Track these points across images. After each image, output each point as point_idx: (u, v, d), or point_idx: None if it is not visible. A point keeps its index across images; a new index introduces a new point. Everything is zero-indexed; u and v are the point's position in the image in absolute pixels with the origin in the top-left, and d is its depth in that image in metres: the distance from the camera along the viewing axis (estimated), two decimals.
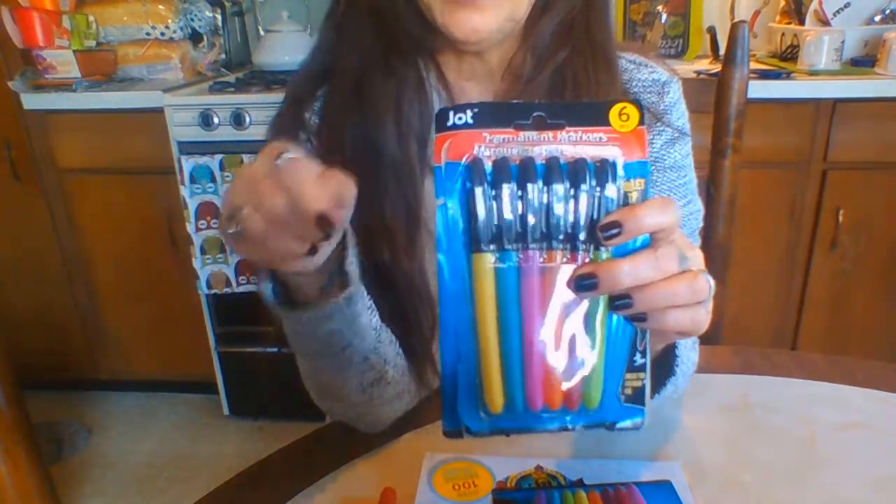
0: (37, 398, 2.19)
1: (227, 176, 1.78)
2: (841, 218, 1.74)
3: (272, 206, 0.40)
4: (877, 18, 1.84)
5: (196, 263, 1.85)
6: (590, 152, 0.39)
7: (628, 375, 0.41)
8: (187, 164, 1.77)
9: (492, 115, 0.39)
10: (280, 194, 0.40)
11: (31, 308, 2.18)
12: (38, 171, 1.99)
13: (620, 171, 0.39)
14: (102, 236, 2.05)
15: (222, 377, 2.07)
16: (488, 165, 0.39)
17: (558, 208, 0.39)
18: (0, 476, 1.33)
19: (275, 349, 1.95)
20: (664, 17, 2.06)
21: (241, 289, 1.89)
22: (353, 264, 0.51)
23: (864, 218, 1.75)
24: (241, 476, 0.61)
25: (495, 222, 0.39)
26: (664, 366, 0.58)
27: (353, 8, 0.66)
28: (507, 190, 0.39)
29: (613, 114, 0.39)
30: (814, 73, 1.74)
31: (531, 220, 0.39)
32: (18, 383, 1.48)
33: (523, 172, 0.39)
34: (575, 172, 0.39)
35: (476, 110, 0.39)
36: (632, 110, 0.39)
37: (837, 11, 1.82)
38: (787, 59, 1.92)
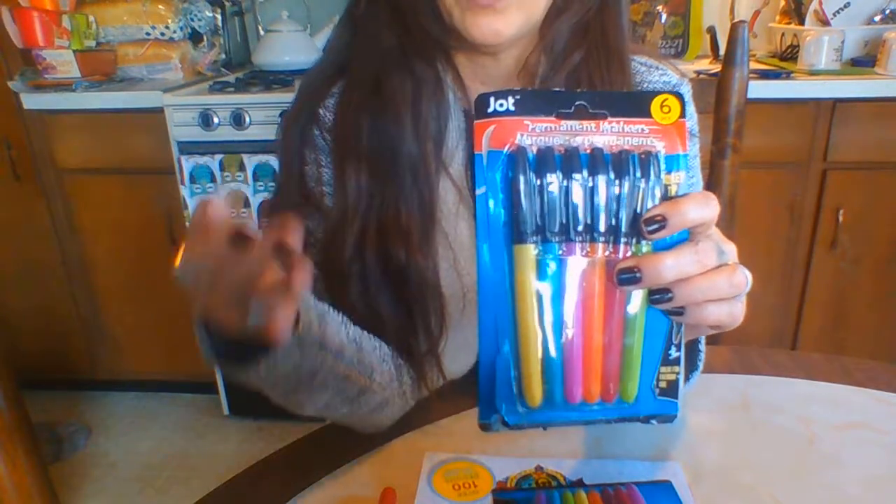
0: (37, 398, 2.19)
1: (227, 176, 1.78)
2: (841, 218, 1.74)
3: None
4: (877, 18, 1.84)
5: None
6: (632, 144, 0.39)
7: (663, 369, 0.41)
8: (187, 164, 1.77)
9: (533, 103, 0.39)
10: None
11: (31, 308, 2.18)
12: (38, 171, 1.99)
13: (662, 164, 0.39)
14: (102, 236, 2.05)
15: (222, 377, 2.07)
16: (532, 154, 0.38)
17: (602, 200, 0.38)
18: (0, 476, 1.33)
19: None
20: (664, 17, 2.06)
21: None
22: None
23: (864, 218, 1.75)
24: (241, 476, 0.61)
25: (539, 213, 0.38)
26: (687, 360, 0.59)
27: (374, 5, 0.66)
28: (551, 180, 0.38)
29: (655, 105, 0.39)
30: (814, 73, 1.74)
31: (575, 211, 0.38)
32: (18, 383, 1.48)
33: (567, 163, 0.38)
34: (619, 164, 0.38)
35: (518, 97, 0.38)
36: (673, 102, 0.39)
37: (837, 11, 1.81)
38: (787, 59, 1.92)
